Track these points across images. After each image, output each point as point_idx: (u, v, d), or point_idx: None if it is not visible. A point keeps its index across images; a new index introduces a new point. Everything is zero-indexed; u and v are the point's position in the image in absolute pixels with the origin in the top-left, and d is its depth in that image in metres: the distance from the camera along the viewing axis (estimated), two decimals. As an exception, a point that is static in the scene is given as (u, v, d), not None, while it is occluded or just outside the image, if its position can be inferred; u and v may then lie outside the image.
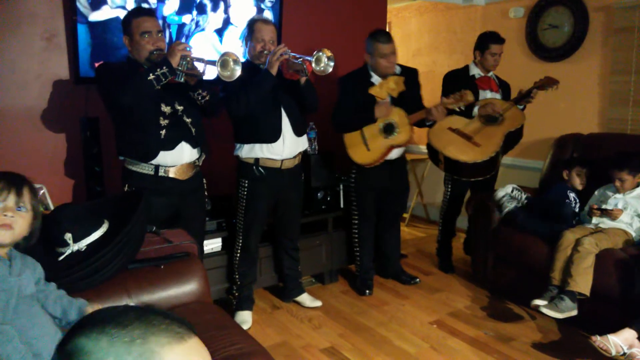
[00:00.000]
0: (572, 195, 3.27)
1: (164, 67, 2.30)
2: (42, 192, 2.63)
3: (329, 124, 3.42)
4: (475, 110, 3.52)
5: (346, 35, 4.08)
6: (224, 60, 2.34)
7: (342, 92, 3.27)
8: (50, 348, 1.53)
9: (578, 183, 3.32)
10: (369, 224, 3.52)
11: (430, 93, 3.89)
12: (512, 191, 3.36)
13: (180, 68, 2.34)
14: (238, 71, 2.37)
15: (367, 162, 3.25)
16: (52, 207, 2.60)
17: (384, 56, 3.21)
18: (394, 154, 3.32)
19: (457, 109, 3.31)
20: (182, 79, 2.37)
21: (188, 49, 2.36)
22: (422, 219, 5.37)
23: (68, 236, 1.89)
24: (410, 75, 3.36)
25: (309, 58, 2.66)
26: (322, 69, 2.66)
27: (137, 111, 2.40)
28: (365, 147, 3.25)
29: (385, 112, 3.22)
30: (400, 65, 3.37)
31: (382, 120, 3.24)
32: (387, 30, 5.20)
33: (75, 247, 1.91)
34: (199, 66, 2.40)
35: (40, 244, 1.85)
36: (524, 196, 3.32)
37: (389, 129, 3.24)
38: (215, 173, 3.22)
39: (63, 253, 1.89)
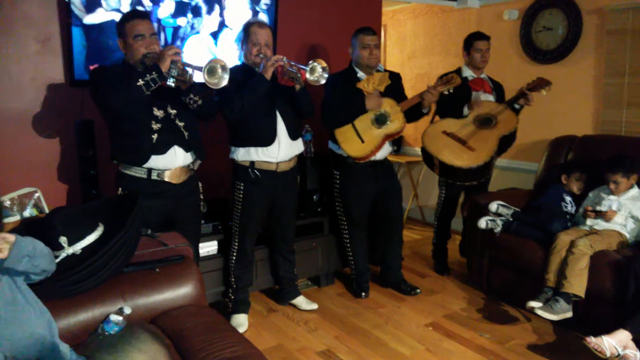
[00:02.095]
0: (568, 198, 3.28)
1: (154, 73, 2.29)
2: (36, 195, 2.62)
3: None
4: (466, 110, 3.54)
5: (341, 38, 4.07)
6: (211, 67, 2.30)
7: (330, 90, 3.27)
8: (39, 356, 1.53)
9: (576, 188, 3.33)
10: (359, 229, 3.49)
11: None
12: (497, 209, 3.33)
13: (170, 73, 2.33)
14: (225, 79, 2.34)
15: (363, 154, 3.23)
16: (47, 211, 2.59)
17: (366, 47, 3.26)
18: (379, 155, 3.31)
19: (446, 92, 3.34)
20: (173, 84, 2.36)
21: (178, 54, 2.34)
22: (418, 221, 5.38)
23: (63, 239, 1.89)
24: (393, 79, 3.38)
25: (303, 67, 2.68)
26: (315, 79, 2.69)
27: (128, 115, 2.39)
28: (359, 140, 3.24)
29: (375, 103, 3.22)
30: (385, 70, 3.41)
31: (373, 112, 3.24)
32: (383, 32, 5.24)
33: (70, 250, 1.90)
34: (190, 72, 2.39)
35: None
36: (510, 212, 3.30)
37: (381, 119, 3.24)
38: (211, 176, 3.22)
39: (58, 256, 1.89)
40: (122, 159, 2.51)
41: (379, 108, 3.24)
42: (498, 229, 3.28)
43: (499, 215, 3.33)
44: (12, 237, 1.46)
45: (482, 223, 3.32)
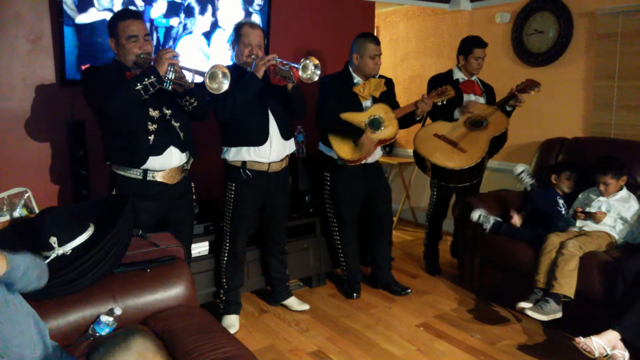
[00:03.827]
0: (561, 201, 3.29)
1: (152, 77, 2.28)
2: (27, 195, 2.61)
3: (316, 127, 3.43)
4: (457, 113, 3.56)
5: (334, 40, 4.10)
6: (212, 73, 2.32)
7: (326, 92, 3.28)
8: (32, 356, 1.52)
9: (566, 187, 3.35)
10: (349, 230, 3.50)
11: (418, 98, 3.91)
12: (478, 218, 3.37)
13: (167, 76, 2.32)
14: (226, 84, 2.35)
15: (355, 158, 3.24)
16: (37, 211, 2.58)
17: (374, 57, 3.26)
18: (370, 159, 3.33)
19: (439, 103, 3.39)
20: (170, 87, 2.36)
21: (176, 57, 2.34)
22: (409, 222, 5.40)
23: (53, 240, 1.88)
24: (387, 84, 3.40)
25: (296, 65, 2.68)
26: (308, 76, 2.69)
27: (124, 118, 2.38)
28: (353, 143, 3.25)
29: (369, 149, 3.22)
30: (380, 75, 3.43)
31: (367, 116, 3.26)
32: (375, 34, 5.25)
33: (60, 251, 1.90)
34: (187, 75, 2.38)
35: (25, 247, 1.84)
36: (531, 181, 3.40)
37: (375, 124, 3.25)
38: (203, 176, 3.21)
39: (48, 257, 1.88)
40: (118, 160, 2.49)
41: (370, 153, 3.24)
42: (488, 226, 3.30)
43: (480, 222, 3.35)
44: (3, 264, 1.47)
45: (475, 215, 3.34)
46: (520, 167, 3.46)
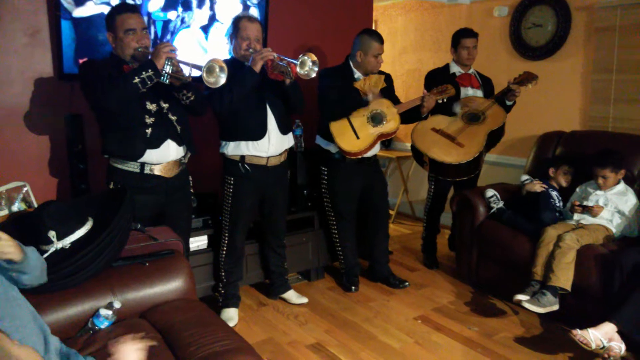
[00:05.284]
0: (554, 193, 3.31)
1: (149, 70, 2.28)
2: (25, 189, 2.61)
3: (315, 121, 3.43)
4: (457, 108, 3.56)
5: (332, 33, 4.09)
6: (210, 67, 2.33)
7: (327, 84, 3.27)
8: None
9: (563, 181, 3.37)
10: (347, 224, 3.51)
11: (416, 92, 3.92)
12: (492, 195, 3.41)
13: (165, 70, 2.32)
14: (223, 78, 2.36)
15: (357, 150, 3.25)
16: (35, 205, 2.58)
17: (377, 55, 3.26)
18: (370, 153, 3.34)
19: (440, 101, 3.39)
20: (167, 81, 2.35)
21: (173, 51, 2.34)
22: (408, 216, 5.41)
23: (52, 234, 1.89)
24: (386, 80, 3.40)
25: (294, 61, 2.67)
26: (306, 72, 2.69)
27: (122, 111, 2.38)
28: (355, 136, 3.25)
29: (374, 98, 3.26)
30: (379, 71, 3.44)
31: (369, 111, 3.26)
32: (374, 28, 5.24)
33: (59, 244, 1.90)
34: (185, 69, 2.38)
35: (23, 241, 1.84)
36: (499, 205, 3.39)
37: (377, 119, 3.26)
38: (201, 170, 3.21)
39: (47, 251, 1.89)
40: (115, 154, 2.50)
41: (376, 106, 3.26)
42: (494, 209, 3.35)
43: (489, 201, 3.38)
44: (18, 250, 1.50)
45: (489, 193, 3.40)
46: (489, 192, 3.46)
